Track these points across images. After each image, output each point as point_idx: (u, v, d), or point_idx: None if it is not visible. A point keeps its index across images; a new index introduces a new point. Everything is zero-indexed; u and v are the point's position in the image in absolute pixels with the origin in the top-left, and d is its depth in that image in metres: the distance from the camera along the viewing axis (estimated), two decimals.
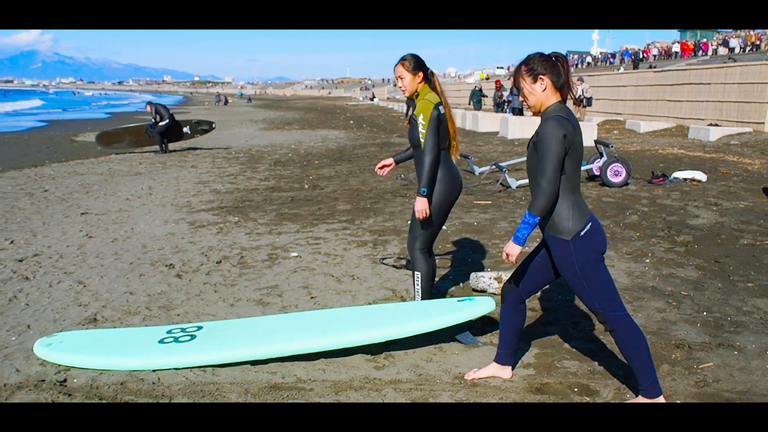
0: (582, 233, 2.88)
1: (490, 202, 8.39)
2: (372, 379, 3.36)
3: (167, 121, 15.29)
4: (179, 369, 3.44)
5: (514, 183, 9.32)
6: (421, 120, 3.74)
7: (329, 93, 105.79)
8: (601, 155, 9.58)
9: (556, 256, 2.96)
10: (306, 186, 10.12)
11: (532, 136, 2.97)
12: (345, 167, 12.39)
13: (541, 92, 2.94)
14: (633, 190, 9.03)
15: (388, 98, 63.81)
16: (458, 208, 7.67)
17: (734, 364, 3.46)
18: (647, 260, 5.49)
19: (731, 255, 5.60)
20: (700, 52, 41.56)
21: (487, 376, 3.33)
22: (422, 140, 3.74)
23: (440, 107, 3.79)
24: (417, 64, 3.84)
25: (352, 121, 28.72)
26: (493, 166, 9.92)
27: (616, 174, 9.27)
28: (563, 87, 2.95)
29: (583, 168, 9.76)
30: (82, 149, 16.87)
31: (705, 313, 4.22)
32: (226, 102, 60.60)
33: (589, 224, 2.91)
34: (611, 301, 2.95)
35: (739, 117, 17.91)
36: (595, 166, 9.64)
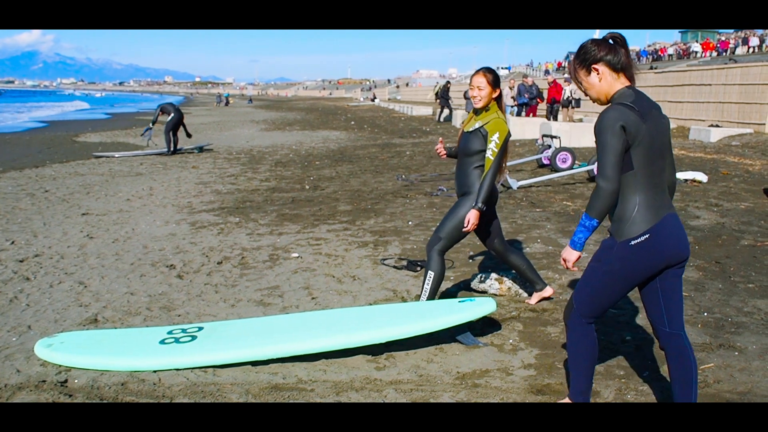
0: (633, 242, 2.52)
1: None
2: (373, 379, 3.36)
3: (172, 115, 15.05)
4: (180, 369, 3.44)
5: (515, 184, 9.31)
6: (495, 138, 3.82)
7: (330, 94, 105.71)
8: None
9: (603, 243, 2.66)
10: (307, 187, 10.13)
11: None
12: (346, 168, 12.39)
13: (599, 82, 2.60)
14: None
15: (389, 99, 63.75)
16: None
17: (735, 364, 3.46)
18: None
19: (732, 256, 5.60)
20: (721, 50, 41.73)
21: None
22: (490, 157, 3.81)
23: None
24: (496, 81, 3.93)
25: (353, 122, 28.70)
26: None
27: None
28: (626, 68, 2.58)
29: (584, 168, 9.75)
30: (83, 150, 16.86)
31: (706, 314, 4.22)
32: (228, 103, 60.64)
33: (647, 235, 2.50)
34: (594, 311, 2.73)
35: (740, 118, 17.90)
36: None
